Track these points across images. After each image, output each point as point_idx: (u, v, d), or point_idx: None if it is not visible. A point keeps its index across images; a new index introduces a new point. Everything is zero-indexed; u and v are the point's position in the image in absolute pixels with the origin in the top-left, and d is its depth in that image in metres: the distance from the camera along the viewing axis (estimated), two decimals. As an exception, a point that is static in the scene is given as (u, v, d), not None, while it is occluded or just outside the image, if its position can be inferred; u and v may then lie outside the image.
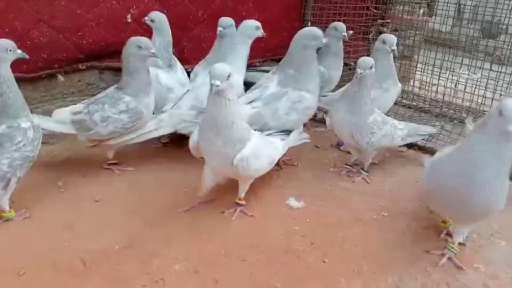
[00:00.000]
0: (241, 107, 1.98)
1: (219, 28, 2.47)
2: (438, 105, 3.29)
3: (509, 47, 3.10)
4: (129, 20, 2.51)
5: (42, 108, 2.43)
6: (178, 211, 1.93)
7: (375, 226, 1.93)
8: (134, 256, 1.64)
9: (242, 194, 1.95)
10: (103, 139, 2.13)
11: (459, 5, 3.88)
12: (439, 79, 3.20)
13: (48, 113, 2.47)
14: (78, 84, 2.54)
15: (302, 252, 1.70)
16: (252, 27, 2.32)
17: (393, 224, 1.95)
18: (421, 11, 3.27)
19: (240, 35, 2.32)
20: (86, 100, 2.19)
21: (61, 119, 2.11)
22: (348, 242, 1.80)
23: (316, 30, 2.19)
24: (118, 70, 2.61)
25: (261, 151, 1.87)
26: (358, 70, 2.07)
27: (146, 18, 2.42)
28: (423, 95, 3.39)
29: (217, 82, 1.60)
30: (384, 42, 2.44)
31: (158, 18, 2.41)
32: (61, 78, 2.48)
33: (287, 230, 1.85)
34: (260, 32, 2.33)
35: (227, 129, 1.73)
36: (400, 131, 2.36)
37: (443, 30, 3.23)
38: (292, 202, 2.04)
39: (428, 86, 3.31)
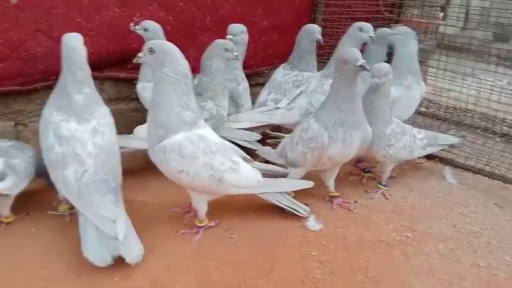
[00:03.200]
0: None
1: (228, 36, 2.31)
2: (456, 112, 3.12)
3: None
4: (132, 28, 2.36)
5: (37, 122, 2.28)
6: (181, 233, 1.79)
7: (399, 249, 1.77)
8: (136, 288, 1.48)
9: (199, 217, 1.79)
10: None
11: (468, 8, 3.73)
12: (462, 86, 3.02)
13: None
14: (78, 96, 2.39)
15: (322, 282, 1.54)
16: (356, 29, 2.33)
17: (418, 246, 1.79)
18: (441, 14, 3.11)
19: (348, 39, 2.32)
20: None
21: (142, 136, 1.97)
22: (371, 269, 1.63)
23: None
24: (119, 80, 2.49)
25: (194, 152, 1.60)
26: (374, 80, 1.95)
27: (137, 27, 2.19)
28: (438, 102, 3.21)
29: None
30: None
31: (152, 28, 2.19)
32: (58, 90, 2.33)
33: (303, 255, 1.69)
34: (367, 35, 2.31)
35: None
36: (420, 141, 2.23)
37: (454, 33, 3.08)
38: (311, 223, 1.86)
39: (445, 93, 3.14)
